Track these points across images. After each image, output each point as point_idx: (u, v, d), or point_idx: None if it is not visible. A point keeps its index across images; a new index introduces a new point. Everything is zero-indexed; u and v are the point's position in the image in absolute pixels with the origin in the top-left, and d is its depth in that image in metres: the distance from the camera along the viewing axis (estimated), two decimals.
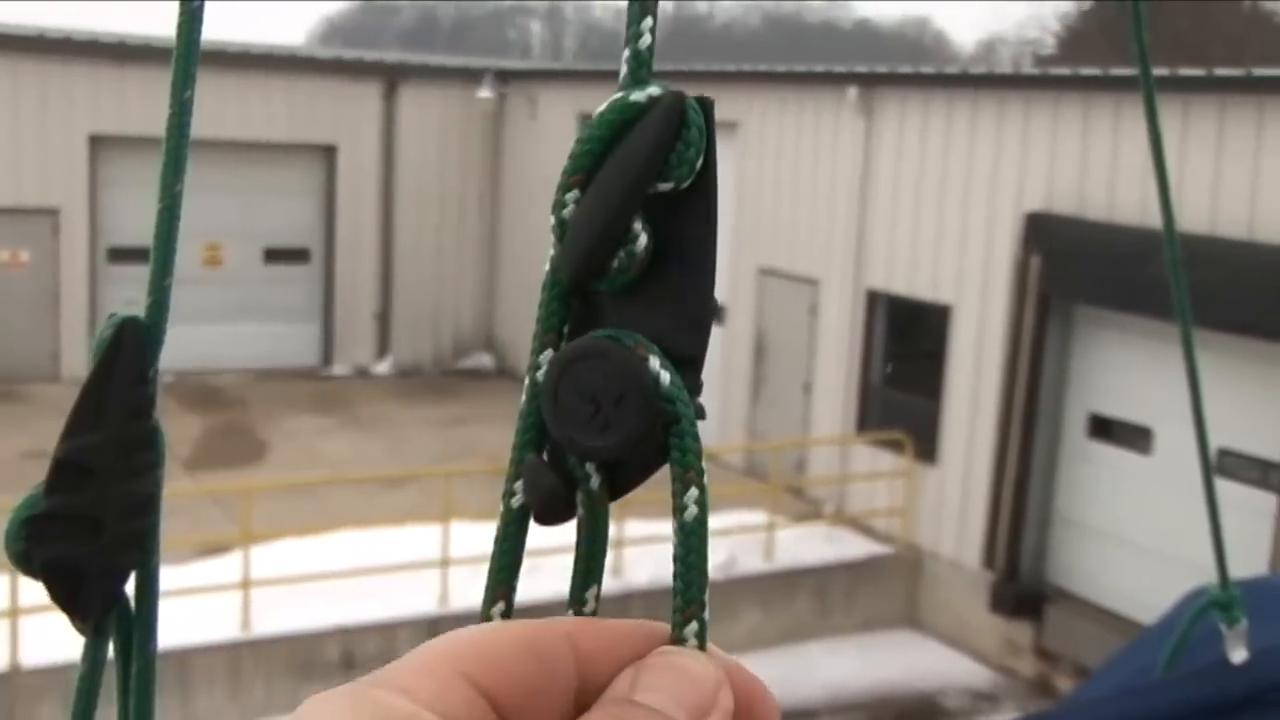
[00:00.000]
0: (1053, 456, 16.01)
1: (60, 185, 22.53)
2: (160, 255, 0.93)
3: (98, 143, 22.69)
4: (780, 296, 19.62)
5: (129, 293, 22.46)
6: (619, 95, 0.77)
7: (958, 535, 16.78)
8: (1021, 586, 15.94)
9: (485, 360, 26.07)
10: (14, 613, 12.66)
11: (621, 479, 0.78)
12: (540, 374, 0.78)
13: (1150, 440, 14.98)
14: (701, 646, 0.76)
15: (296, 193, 24.55)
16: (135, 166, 22.74)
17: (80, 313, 22.81)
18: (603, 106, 0.78)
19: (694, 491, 0.76)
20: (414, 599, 14.41)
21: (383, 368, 25.29)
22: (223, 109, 22.54)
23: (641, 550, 12.92)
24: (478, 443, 20.14)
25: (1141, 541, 14.83)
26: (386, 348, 25.47)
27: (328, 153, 24.67)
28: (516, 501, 0.79)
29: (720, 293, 17.55)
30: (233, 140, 23.05)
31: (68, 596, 0.91)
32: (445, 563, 14.25)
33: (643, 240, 0.77)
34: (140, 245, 22.57)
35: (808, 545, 16.97)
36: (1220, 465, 13.60)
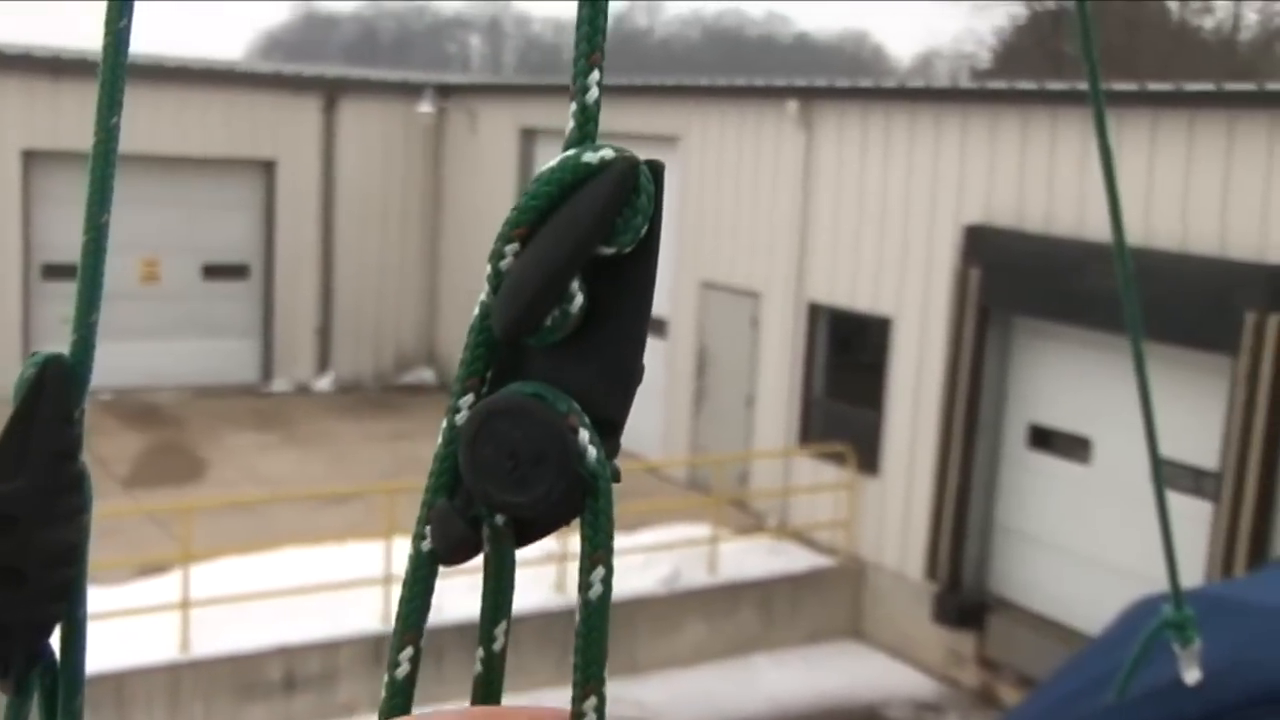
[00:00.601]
0: (993, 467, 16.11)
1: None
2: (86, 290, 0.90)
3: (31, 158, 22.49)
4: (722, 309, 19.66)
5: (64, 309, 22.24)
6: (571, 154, 0.76)
7: (900, 546, 16.85)
8: (964, 597, 16.02)
9: (427, 375, 25.99)
10: None
11: (529, 530, 0.78)
12: (460, 418, 0.78)
13: (1089, 450, 15.11)
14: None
15: (235, 208, 24.40)
16: (70, 182, 22.50)
17: (13, 331, 22.57)
18: (553, 163, 0.77)
19: (600, 571, 0.76)
20: (357, 617, 14.34)
21: (324, 384, 25.18)
22: (160, 123, 22.40)
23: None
24: (421, 458, 20.05)
25: (1081, 550, 14.94)
26: (327, 363, 25.35)
27: (267, 168, 24.55)
28: (426, 545, 0.79)
29: (662, 306, 17.70)
30: (170, 155, 22.92)
31: None
32: (389, 580, 14.19)
33: (578, 301, 0.76)
34: (75, 262, 22.35)
35: (751, 558, 17.00)
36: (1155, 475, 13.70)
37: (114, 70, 0.92)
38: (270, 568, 14.62)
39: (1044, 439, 15.70)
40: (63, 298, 22.12)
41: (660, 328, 20.33)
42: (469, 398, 0.78)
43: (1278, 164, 12.98)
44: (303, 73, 26.55)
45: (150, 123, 21.82)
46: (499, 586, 0.82)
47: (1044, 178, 15.06)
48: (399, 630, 0.81)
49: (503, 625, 0.82)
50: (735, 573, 16.54)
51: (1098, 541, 14.69)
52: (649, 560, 15.85)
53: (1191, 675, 1.96)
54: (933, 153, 16.34)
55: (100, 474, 18.07)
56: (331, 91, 25.06)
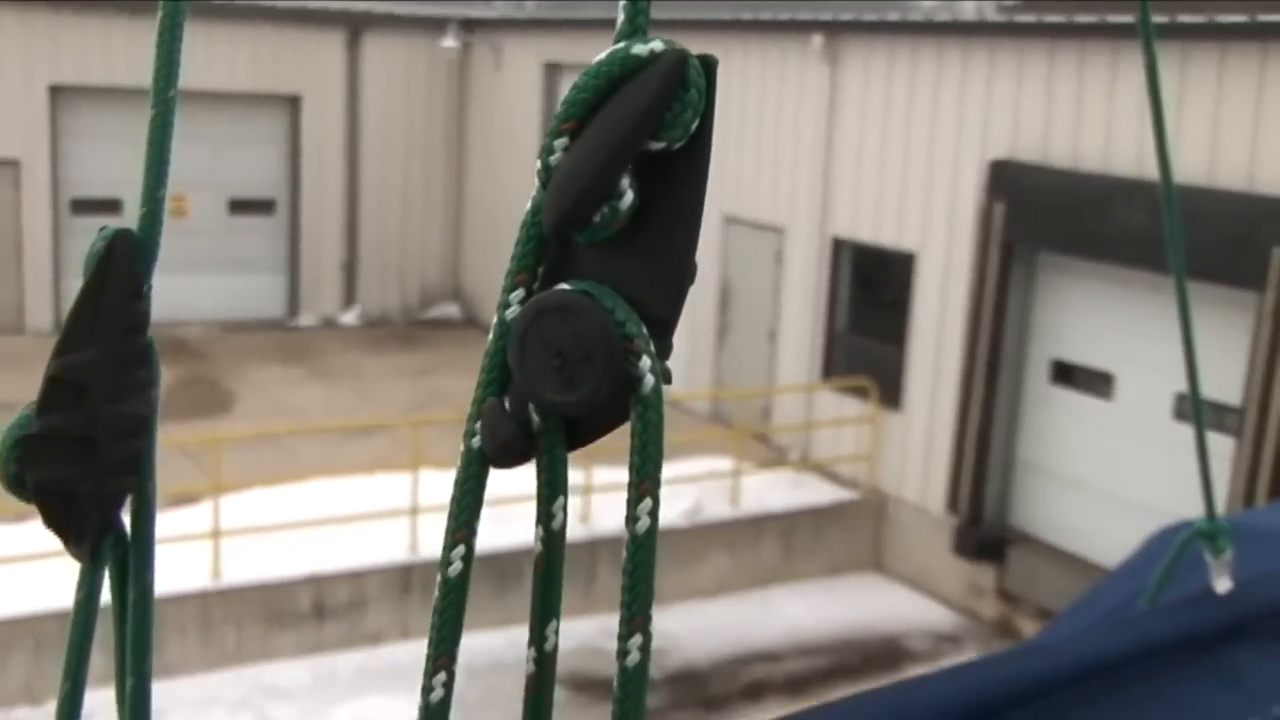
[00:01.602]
0: (1016, 402, 16.09)
1: (20, 136, 22.32)
2: (154, 165, 0.93)
3: (58, 93, 22.47)
4: (746, 244, 19.62)
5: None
6: (619, 46, 0.77)
7: (922, 480, 16.86)
8: (984, 530, 16.04)
9: (452, 310, 26.02)
10: None
11: (580, 432, 0.79)
12: (509, 314, 0.78)
13: (1111, 386, 15.06)
14: (645, 659, 0.77)
15: (261, 143, 24.39)
16: (97, 117, 22.56)
17: (44, 265, 22.67)
18: (602, 56, 0.77)
19: (647, 503, 0.77)
20: (384, 547, 14.45)
21: (349, 318, 25.23)
22: (187, 58, 22.15)
23: (609, 497, 12.91)
24: (446, 391, 20.13)
25: (1102, 485, 14.94)
26: (353, 298, 25.40)
27: (292, 103, 24.51)
28: (476, 443, 0.80)
29: None
30: (197, 90, 22.83)
31: (62, 521, 0.89)
32: (415, 510, 14.27)
33: (629, 198, 0.76)
34: (104, 196, 22.45)
35: (774, 491, 17.04)
36: (1179, 410, 13.71)
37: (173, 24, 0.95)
38: (299, 499, 14.72)
39: (1066, 374, 15.66)
40: (91, 232, 22.13)
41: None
42: (519, 293, 0.78)
43: None
44: (327, 8, 26.36)
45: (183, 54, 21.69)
46: (549, 573, 0.84)
47: (1071, 112, 14.93)
48: (450, 529, 0.81)
49: (553, 625, 0.84)
50: (757, 506, 16.59)
51: (1118, 476, 14.68)
52: (672, 493, 15.89)
53: (1223, 585, 1.98)
54: (959, 87, 16.22)
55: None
56: (356, 26, 24.97)
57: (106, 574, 0.94)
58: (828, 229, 18.24)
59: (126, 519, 0.94)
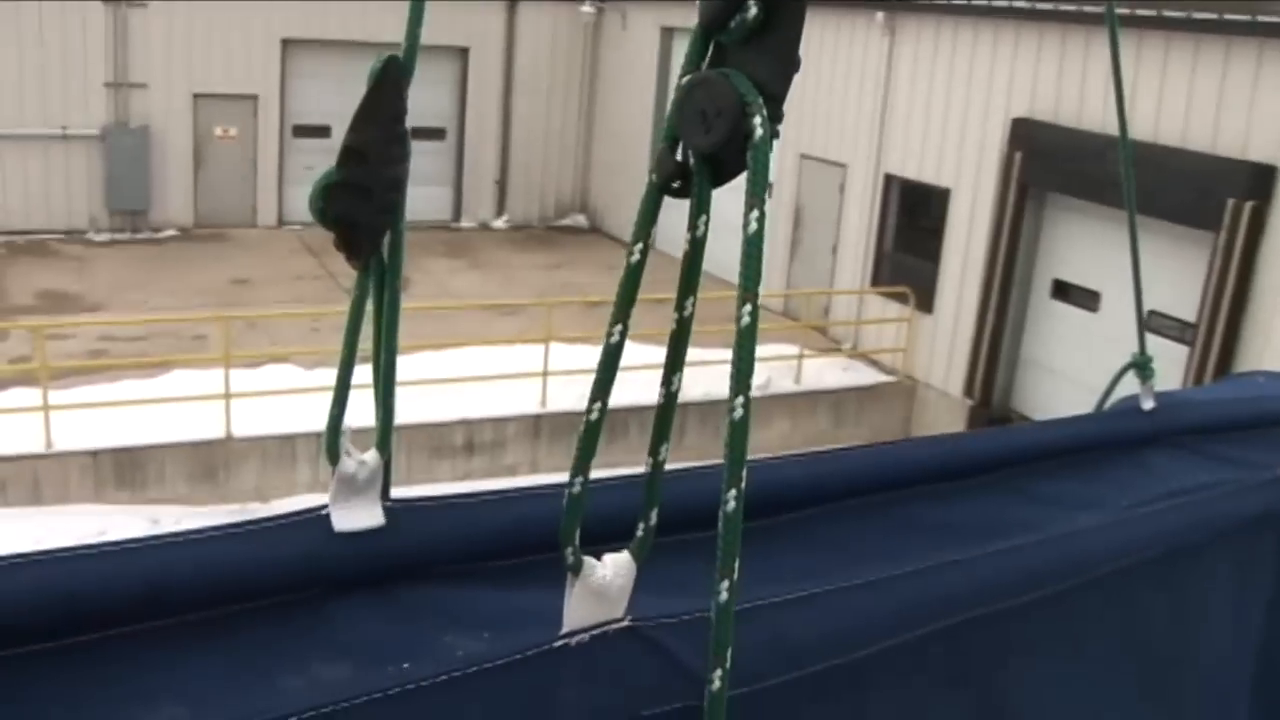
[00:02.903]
0: (1023, 311, 15.94)
1: (259, 77, 22.58)
2: (414, 17, 1.08)
3: (288, 44, 22.67)
4: (815, 177, 19.44)
5: (309, 160, 22.55)
6: None
7: (946, 369, 16.78)
8: (993, 411, 15.99)
9: (580, 219, 26.02)
10: (227, 396, 12.97)
11: (719, 171, 0.89)
12: (678, 91, 0.90)
13: (1098, 301, 14.89)
14: (754, 320, 0.87)
15: (437, 83, 24.40)
16: (315, 64, 22.73)
17: (272, 175, 22.98)
18: None
19: (755, 213, 0.88)
20: (520, 400, 14.60)
21: (500, 223, 25.34)
22: (383, 18, 22.37)
23: (695, 371, 12.96)
24: (573, 283, 20.23)
25: (1088, 379, 14.78)
26: (503, 208, 25.48)
27: (462, 53, 24.48)
28: (654, 178, 0.91)
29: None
30: (389, 42, 22.74)
31: (349, 241, 1.06)
32: (545, 374, 14.42)
33: (754, 11, 0.87)
34: (318, 124, 22.65)
35: (829, 373, 17.02)
36: (1150, 323, 13.47)
37: None
38: (456, 360, 14.86)
39: (1064, 291, 15.48)
40: (308, 151, 22.48)
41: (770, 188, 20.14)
42: (689, 77, 0.88)
43: (1263, 81, 12.64)
44: None
45: (377, 16, 21.79)
46: (692, 268, 0.92)
47: (1078, 82, 14.67)
48: (634, 236, 0.92)
49: (691, 299, 0.94)
50: (815, 383, 16.56)
51: (1100, 372, 14.40)
52: None
53: (1148, 404, 2.06)
54: (990, 58, 15.95)
55: (333, 286, 18.47)
56: None
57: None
58: (881, 166, 18.05)
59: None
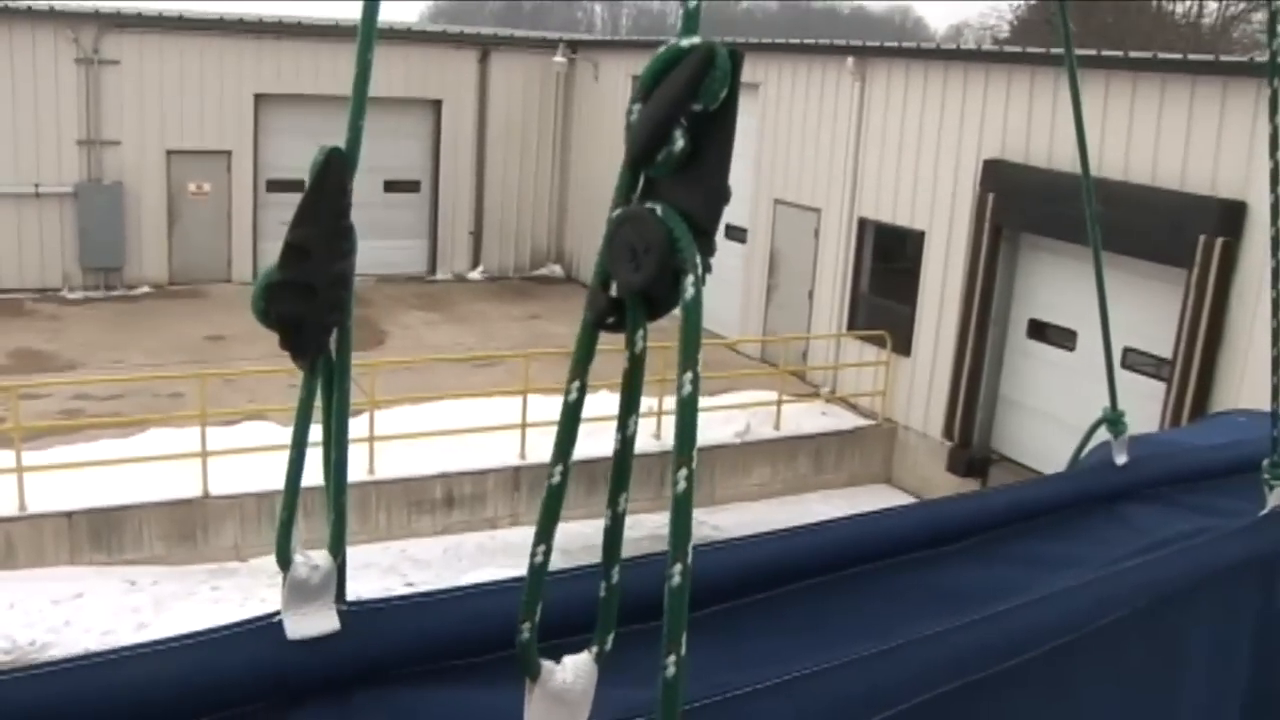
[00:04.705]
0: (1000, 352, 15.99)
1: (233, 132, 22.64)
2: (356, 104, 1.03)
3: (261, 99, 22.75)
4: (790, 221, 19.53)
5: (283, 215, 22.57)
6: (673, 41, 0.86)
7: (925, 412, 16.80)
8: (972, 452, 16.00)
9: (556, 269, 26.08)
10: (204, 454, 12.88)
11: (653, 307, 0.87)
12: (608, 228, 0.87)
13: (1075, 340, 14.95)
14: (689, 489, 0.84)
15: (410, 136, 24.50)
16: (289, 118, 22.80)
17: (246, 231, 22.99)
18: (662, 49, 0.86)
19: (689, 374, 0.85)
20: (500, 453, 14.56)
21: (475, 275, 25.36)
22: (354, 72, 22.48)
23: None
24: (550, 333, 20.23)
25: (1065, 418, 14.83)
26: (479, 259, 25.52)
27: (435, 106, 24.59)
28: (588, 317, 0.89)
29: (742, 217, 17.45)
30: None
31: (293, 342, 1.03)
32: (524, 425, 14.39)
33: (680, 144, 0.84)
34: (293, 178, 22.68)
35: (807, 417, 17.02)
36: (1126, 360, 13.57)
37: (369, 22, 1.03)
38: (434, 413, 14.84)
39: (1040, 330, 15.54)
40: (283, 206, 22.45)
41: (740, 234, 20.24)
42: (618, 212, 0.86)
43: (1228, 120, 12.79)
44: (463, 31, 26.51)
45: (348, 71, 21.75)
46: (633, 380, 0.90)
47: (1047, 123, 14.81)
48: (571, 373, 0.90)
49: (634, 417, 0.91)
50: (794, 429, 16.57)
51: (1078, 411, 14.55)
52: (727, 417, 15.94)
53: (1120, 458, 2.07)
54: (960, 101, 16.08)
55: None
56: (485, 46, 25.02)
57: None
58: (855, 210, 18.14)
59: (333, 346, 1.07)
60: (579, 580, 1.18)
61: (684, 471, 0.85)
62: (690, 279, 0.83)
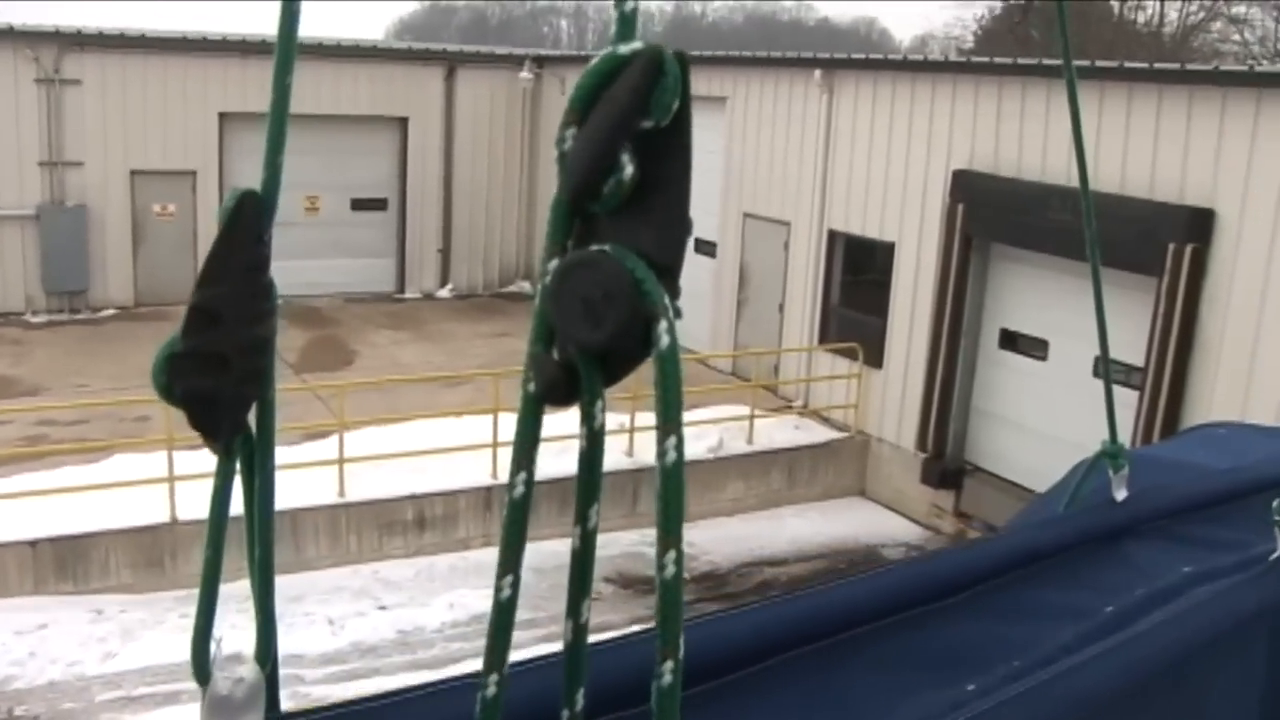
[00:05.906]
0: (972, 362, 16.02)
1: (198, 152, 22.49)
2: (273, 137, 0.89)
3: (226, 118, 22.59)
4: (760, 235, 19.55)
5: None
6: (608, 49, 0.73)
7: (898, 424, 16.82)
8: (946, 464, 16.01)
9: (525, 286, 26.02)
10: (172, 479, 12.76)
11: (613, 368, 0.75)
12: (547, 280, 0.74)
13: (1046, 349, 15.00)
14: (679, 571, 0.72)
15: (377, 154, 24.44)
16: (255, 137, 22.62)
17: None
18: (595, 59, 0.74)
19: (672, 439, 0.72)
20: (471, 473, 14.50)
21: (444, 292, 25.29)
22: (319, 90, 22.42)
23: (652, 435, 12.95)
24: (520, 351, 19.78)
25: (1038, 428, 14.89)
26: (447, 277, 25.45)
27: (401, 123, 24.53)
28: (531, 389, 0.76)
29: (711, 232, 17.46)
30: (328, 114, 22.96)
31: (203, 422, 0.88)
32: (495, 445, 14.32)
33: (629, 171, 0.73)
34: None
35: (780, 431, 17.02)
36: (1097, 369, 13.61)
37: (288, 40, 0.91)
38: (404, 434, 14.78)
39: (1011, 340, 15.59)
40: None
41: (710, 248, 20.24)
42: (554, 263, 0.75)
43: (1195, 127, 12.85)
44: (429, 48, 26.47)
45: (313, 89, 21.86)
46: (591, 466, 0.78)
47: (1015, 133, 14.87)
48: (514, 460, 0.78)
49: (595, 507, 0.79)
50: (767, 443, 16.56)
51: (1051, 420, 14.62)
52: (699, 433, 15.90)
53: (1120, 494, 2.03)
54: (928, 112, 16.13)
55: (276, 361, 18.28)
56: (451, 63, 24.97)
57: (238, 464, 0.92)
58: (825, 222, 18.18)
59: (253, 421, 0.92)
60: (543, 670, 1.05)
61: (672, 554, 0.72)
62: (664, 325, 0.71)
